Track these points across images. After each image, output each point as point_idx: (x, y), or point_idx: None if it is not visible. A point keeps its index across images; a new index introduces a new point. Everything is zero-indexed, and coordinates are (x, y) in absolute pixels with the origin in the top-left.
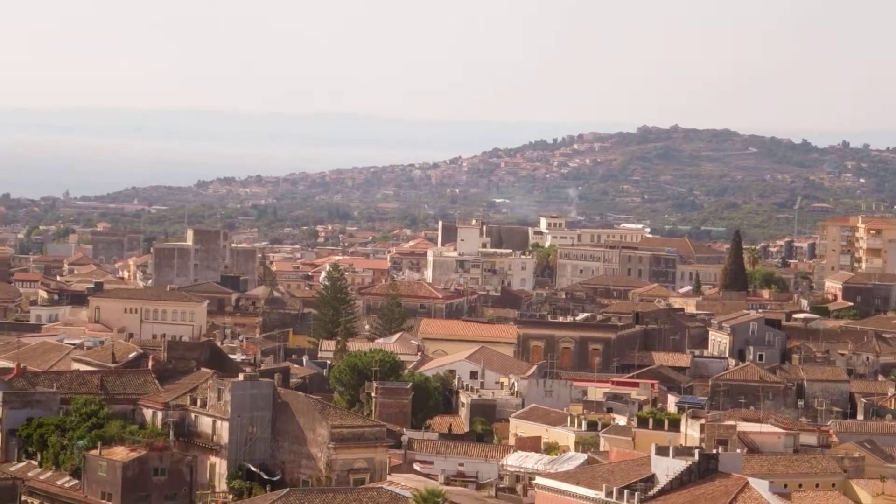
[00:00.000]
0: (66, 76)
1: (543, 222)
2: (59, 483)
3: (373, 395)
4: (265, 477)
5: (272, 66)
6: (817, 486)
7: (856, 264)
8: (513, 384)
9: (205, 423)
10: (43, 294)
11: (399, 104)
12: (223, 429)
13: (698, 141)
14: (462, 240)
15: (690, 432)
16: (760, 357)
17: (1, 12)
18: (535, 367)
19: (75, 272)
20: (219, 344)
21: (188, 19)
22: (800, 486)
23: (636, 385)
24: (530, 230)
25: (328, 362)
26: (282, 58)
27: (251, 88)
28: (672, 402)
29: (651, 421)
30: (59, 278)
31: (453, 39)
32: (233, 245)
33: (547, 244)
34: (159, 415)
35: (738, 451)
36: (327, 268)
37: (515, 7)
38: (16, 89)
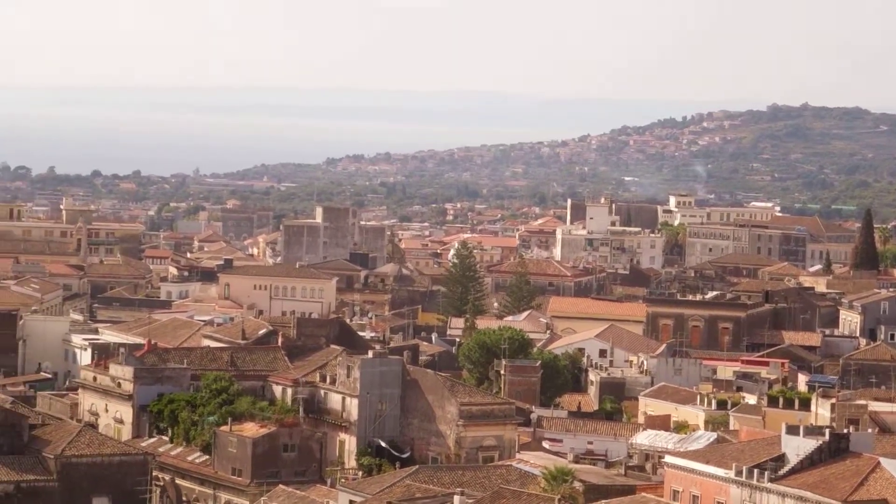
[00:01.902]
0: (198, 54)
1: (672, 200)
2: (189, 459)
3: (502, 372)
4: (394, 454)
5: (401, 44)
6: None
7: None
8: (642, 362)
9: (334, 400)
10: (173, 271)
11: (529, 81)
12: (353, 406)
13: (829, 119)
14: (591, 218)
15: (821, 411)
16: (892, 336)
17: None
18: (664, 346)
19: (205, 249)
20: (348, 321)
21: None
22: None
23: (766, 364)
24: (659, 208)
25: (457, 340)
26: (411, 35)
27: (380, 65)
28: (802, 381)
29: (781, 400)
30: (189, 255)
31: (583, 18)
32: (362, 222)
33: (676, 222)
34: (289, 391)
35: (870, 430)
36: (456, 245)
37: None
38: (148, 67)
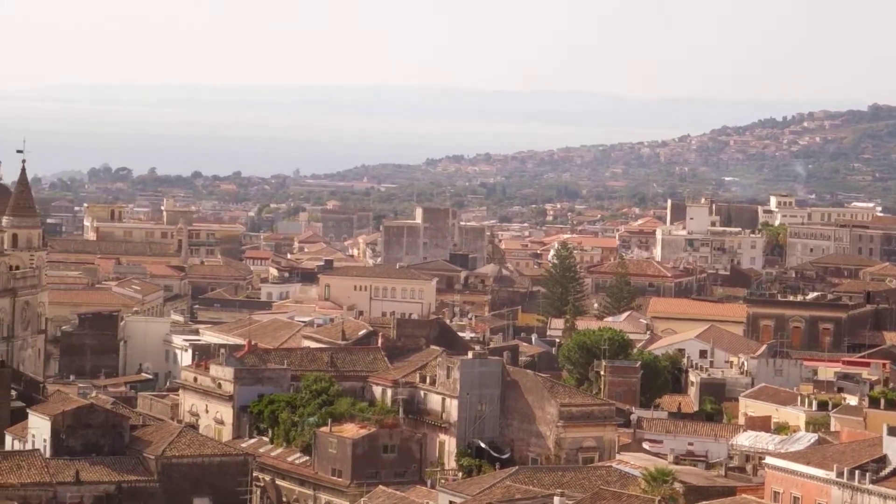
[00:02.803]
0: (301, 55)
1: (773, 201)
2: (289, 459)
3: (602, 373)
4: (494, 455)
5: (502, 44)
6: None
7: None
8: (742, 363)
9: (434, 401)
10: (273, 272)
11: (630, 82)
12: (452, 406)
13: None
14: (691, 218)
15: None
16: None
17: None
18: (764, 347)
19: (305, 250)
20: (448, 322)
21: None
22: None
23: (867, 365)
24: (759, 209)
25: (557, 340)
26: (512, 35)
27: (481, 66)
28: None
29: (883, 401)
30: (289, 256)
31: (686, 19)
32: (462, 223)
33: (776, 223)
34: (389, 392)
35: None
36: (556, 246)
37: None
38: (248, 68)
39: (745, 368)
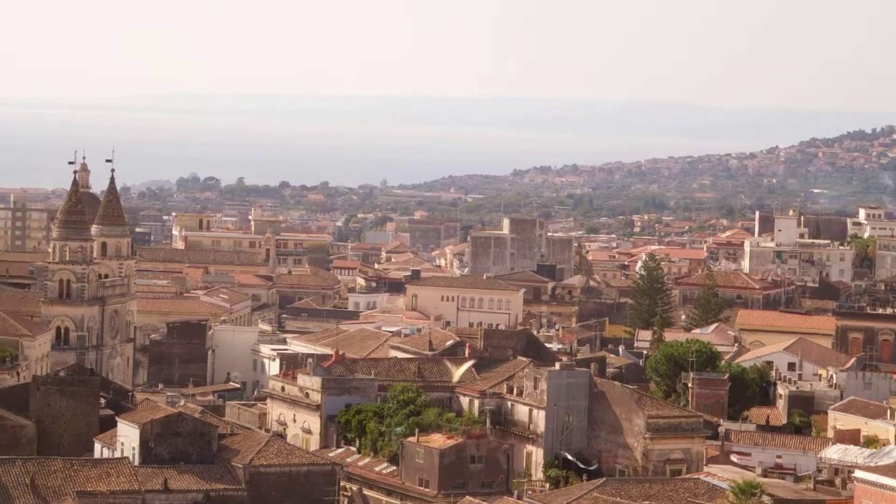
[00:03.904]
0: (390, 65)
1: (862, 213)
2: (377, 469)
3: (689, 385)
4: (581, 466)
5: (591, 55)
6: None
7: None
8: (831, 376)
9: (521, 412)
10: (361, 282)
11: (717, 92)
12: (539, 417)
13: None
14: (779, 230)
15: None
16: None
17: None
18: (853, 360)
19: (393, 260)
20: (535, 333)
21: (510, 7)
22: None
23: None
24: (848, 221)
25: (644, 352)
26: (603, 46)
27: (570, 77)
28: None
29: None
30: (376, 266)
31: (774, 28)
32: (549, 234)
33: (866, 235)
34: (476, 403)
35: None
36: (643, 257)
37: None
38: (337, 78)
39: (834, 381)
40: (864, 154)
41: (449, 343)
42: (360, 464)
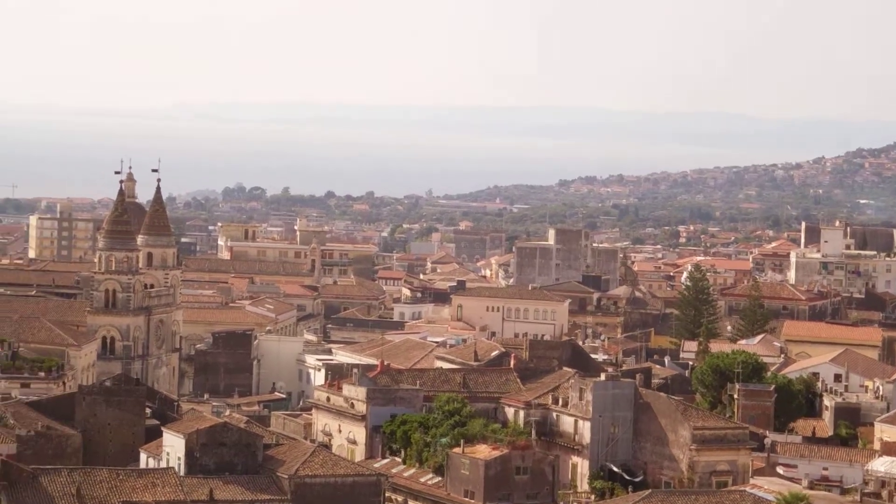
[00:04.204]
0: (435, 75)
1: None
2: (422, 480)
3: (735, 396)
4: (627, 477)
5: (637, 65)
6: None
7: None
8: (878, 388)
9: (567, 423)
10: (406, 292)
11: (764, 103)
12: (585, 428)
13: None
14: (825, 241)
15: None
16: None
17: (371, 16)
18: None
19: (438, 270)
20: (580, 343)
21: (554, 18)
22: None
23: None
24: (895, 232)
25: (690, 363)
26: (648, 57)
27: (615, 86)
28: None
29: None
30: (422, 276)
31: (820, 39)
32: (594, 244)
33: None
34: (521, 413)
35: None
36: (689, 268)
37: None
38: (382, 87)
39: (881, 393)
40: None
41: (494, 353)
42: (406, 475)
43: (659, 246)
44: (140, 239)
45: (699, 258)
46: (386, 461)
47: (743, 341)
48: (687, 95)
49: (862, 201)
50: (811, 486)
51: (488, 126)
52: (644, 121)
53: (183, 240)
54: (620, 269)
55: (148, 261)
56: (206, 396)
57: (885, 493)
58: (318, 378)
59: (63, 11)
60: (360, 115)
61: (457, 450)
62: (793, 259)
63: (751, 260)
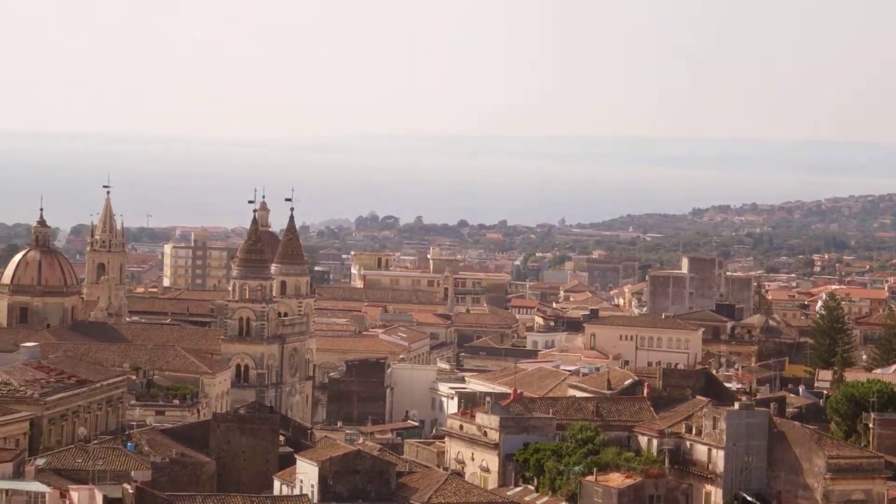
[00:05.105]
0: (567, 105)
1: None
2: None
3: (870, 426)
4: None
5: (772, 94)
6: None
7: None
8: None
9: (700, 452)
10: (539, 320)
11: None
12: (719, 457)
13: None
14: None
15: None
16: None
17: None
18: None
19: (571, 299)
20: (714, 372)
21: (690, 48)
22: None
23: None
24: None
25: (824, 392)
26: (780, 87)
27: (746, 115)
28: None
29: None
30: (554, 305)
31: None
32: (728, 273)
33: None
34: (654, 442)
35: None
36: (823, 297)
37: None
38: (513, 119)
39: None
40: None
41: (627, 382)
42: (539, 502)
43: (793, 275)
44: (274, 267)
45: (834, 287)
46: (519, 489)
47: (878, 370)
48: (819, 124)
49: None
50: None
51: (621, 155)
52: (778, 149)
53: (316, 268)
54: (754, 298)
55: (282, 289)
56: (339, 424)
57: None
58: (451, 406)
59: (203, 49)
60: (493, 145)
61: (590, 478)
62: None
63: (886, 289)
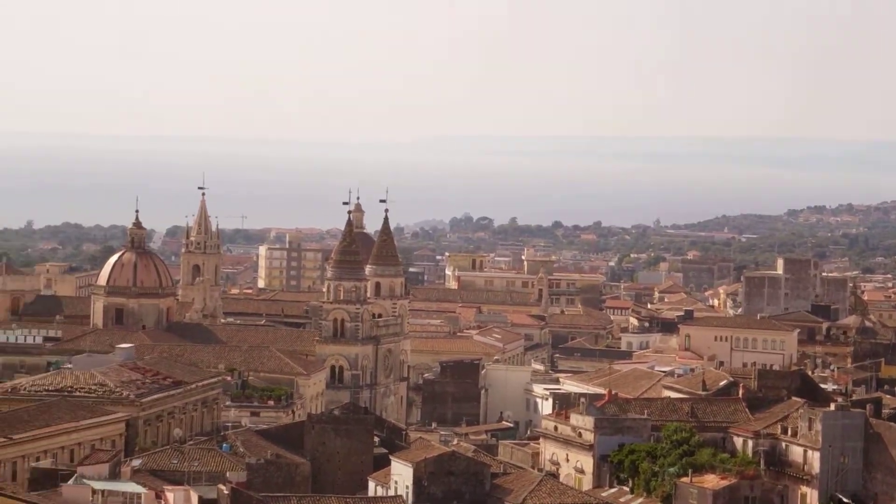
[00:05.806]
0: (662, 106)
1: None
2: None
3: None
4: None
5: (860, 93)
6: None
7: None
8: None
9: (795, 453)
10: (634, 321)
11: None
12: (814, 459)
13: None
14: None
15: None
16: None
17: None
18: None
19: (665, 300)
20: (809, 373)
21: (786, 49)
22: None
23: None
24: None
25: None
26: (871, 84)
27: (843, 115)
28: None
29: None
30: (649, 306)
31: None
32: (823, 274)
33: None
34: (750, 443)
35: None
36: None
37: None
38: (608, 119)
39: None
40: None
41: (722, 383)
42: None
43: (889, 275)
44: (368, 269)
45: None
46: (614, 490)
47: None
48: None
49: None
50: None
51: (716, 156)
52: (875, 150)
53: (410, 269)
54: (850, 299)
55: (376, 290)
56: (433, 425)
57: None
58: (546, 407)
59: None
60: (587, 146)
61: (685, 479)
62: None
63: None
